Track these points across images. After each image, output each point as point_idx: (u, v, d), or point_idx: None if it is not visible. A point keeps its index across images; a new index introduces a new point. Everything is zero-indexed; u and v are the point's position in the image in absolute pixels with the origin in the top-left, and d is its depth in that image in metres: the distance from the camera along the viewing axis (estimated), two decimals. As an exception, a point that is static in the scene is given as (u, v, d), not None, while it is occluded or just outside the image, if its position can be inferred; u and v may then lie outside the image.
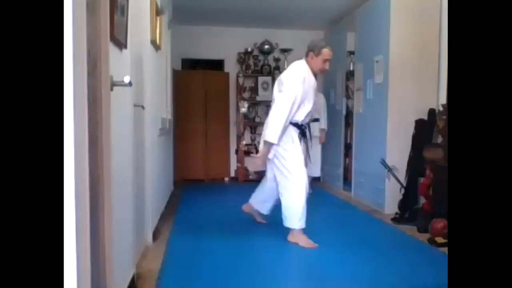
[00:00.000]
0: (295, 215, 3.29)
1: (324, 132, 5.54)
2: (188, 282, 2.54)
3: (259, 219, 3.92)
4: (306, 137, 3.47)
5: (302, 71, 3.31)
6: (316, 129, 5.34)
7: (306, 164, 3.44)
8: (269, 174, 3.66)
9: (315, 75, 3.38)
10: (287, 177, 3.34)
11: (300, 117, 3.34)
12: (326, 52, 3.28)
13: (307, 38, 6.79)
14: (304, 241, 3.25)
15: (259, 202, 3.86)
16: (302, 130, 3.40)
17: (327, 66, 3.34)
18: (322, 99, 5.48)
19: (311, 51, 3.33)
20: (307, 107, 3.32)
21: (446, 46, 4.23)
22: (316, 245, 3.21)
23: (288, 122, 3.27)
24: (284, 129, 3.26)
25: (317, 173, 5.54)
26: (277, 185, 3.48)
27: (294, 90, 3.21)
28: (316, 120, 5.11)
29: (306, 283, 2.62)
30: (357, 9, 5.28)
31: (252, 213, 3.94)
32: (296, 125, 3.35)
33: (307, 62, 3.36)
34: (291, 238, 3.33)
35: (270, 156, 3.40)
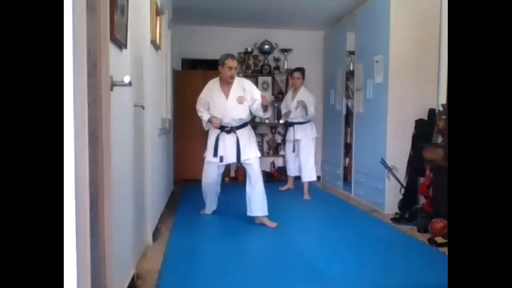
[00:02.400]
0: None
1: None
2: (187, 282, 2.54)
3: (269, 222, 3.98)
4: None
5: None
6: (300, 133, 5.40)
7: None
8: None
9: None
10: None
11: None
12: (228, 62, 3.93)
13: (307, 38, 6.89)
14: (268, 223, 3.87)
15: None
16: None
17: (233, 72, 3.94)
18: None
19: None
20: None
21: (446, 46, 4.23)
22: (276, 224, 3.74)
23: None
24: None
25: (304, 176, 5.47)
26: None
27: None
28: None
29: (306, 283, 2.61)
30: (357, 9, 5.28)
31: (262, 221, 3.97)
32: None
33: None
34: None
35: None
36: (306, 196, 5.34)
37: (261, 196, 3.89)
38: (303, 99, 5.24)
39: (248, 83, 4.05)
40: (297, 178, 5.63)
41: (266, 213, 3.89)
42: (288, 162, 5.76)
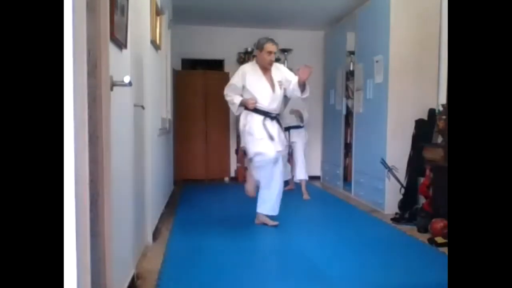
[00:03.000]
0: None
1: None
2: (188, 282, 2.54)
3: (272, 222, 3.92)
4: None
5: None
6: (295, 136, 5.45)
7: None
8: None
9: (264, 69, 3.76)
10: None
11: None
12: (268, 46, 3.68)
13: (307, 38, 6.90)
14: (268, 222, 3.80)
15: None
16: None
17: (272, 58, 3.71)
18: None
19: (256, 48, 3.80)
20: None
21: (446, 46, 4.23)
22: (277, 222, 3.69)
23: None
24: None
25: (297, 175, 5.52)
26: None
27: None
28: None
29: (306, 283, 2.61)
30: (357, 9, 5.28)
31: (263, 220, 3.94)
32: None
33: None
34: (256, 220, 3.90)
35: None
36: (306, 196, 5.35)
37: (280, 195, 3.87)
38: (297, 108, 5.30)
39: (281, 66, 3.95)
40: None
41: (277, 212, 3.87)
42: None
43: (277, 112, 3.82)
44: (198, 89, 6.59)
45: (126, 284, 2.27)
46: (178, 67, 6.69)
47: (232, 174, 6.88)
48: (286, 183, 5.35)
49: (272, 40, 3.72)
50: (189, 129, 6.54)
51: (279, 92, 3.75)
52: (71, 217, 1.15)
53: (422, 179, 4.13)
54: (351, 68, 5.91)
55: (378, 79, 4.59)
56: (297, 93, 3.73)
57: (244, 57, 6.70)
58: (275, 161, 3.70)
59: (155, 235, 3.43)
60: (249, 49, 6.67)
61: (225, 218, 4.20)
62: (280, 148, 3.74)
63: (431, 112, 4.32)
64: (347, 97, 5.93)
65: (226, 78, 6.77)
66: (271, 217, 3.86)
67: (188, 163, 6.55)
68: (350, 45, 5.64)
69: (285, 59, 6.79)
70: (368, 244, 3.36)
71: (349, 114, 5.90)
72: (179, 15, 5.73)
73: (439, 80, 4.39)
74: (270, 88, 3.73)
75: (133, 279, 2.42)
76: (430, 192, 3.91)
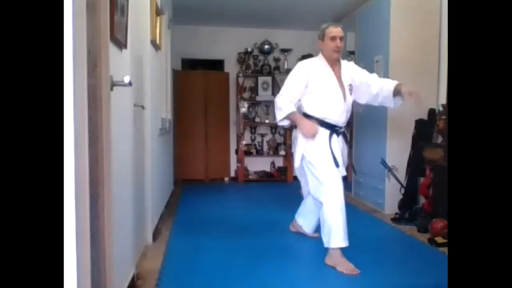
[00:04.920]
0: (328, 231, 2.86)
1: None
2: (188, 282, 2.54)
3: (311, 234, 3.43)
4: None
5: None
6: None
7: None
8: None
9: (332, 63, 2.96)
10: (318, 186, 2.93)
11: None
12: (330, 31, 2.92)
13: (307, 38, 6.88)
14: (342, 266, 2.72)
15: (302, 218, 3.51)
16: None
17: (338, 43, 2.90)
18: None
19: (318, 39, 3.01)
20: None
21: (446, 46, 4.23)
22: (358, 271, 2.67)
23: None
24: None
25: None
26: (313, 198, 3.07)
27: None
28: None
29: (305, 282, 2.61)
30: (357, 9, 5.28)
31: (300, 230, 3.55)
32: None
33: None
34: (327, 260, 2.84)
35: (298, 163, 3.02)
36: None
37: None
38: None
39: (351, 64, 3.17)
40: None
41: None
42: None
43: (345, 125, 3.05)
44: (198, 89, 6.59)
45: (126, 284, 2.27)
46: (178, 67, 6.69)
47: (232, 174, 6.88)
48: None
49: (333, 24, 2.95)
50: (189, 129, 6.54)
51: (350, 100, 2.97)
52: (71, 217, 1.15)
53: (422, 179, 4.13)
54: (351, 68, 5.89)
55: (378, 79, 4.59)
56: (389, 103, 3.03)
57: (244, 57, 6.71)
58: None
59: (155, 235, 3.43)
60: (249, 49, 6.68)
61: (225, 218, 4.20)
62: (344, 173, 3.02)
63: (431, 112, 4.32)
64: (347, 97, 5.92)
65: (226, 78, 6.80)
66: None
67: (188, 163, 6.55)
68: (350, 45, 5.63)
69: (285, 59, 6.79)
70: (368, 244, 3.36)
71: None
72: (179, 15, 5.72)
73: (439, 80, 4.39)
74: (341, 94, 2.92)
75: (133, 279, 2.42)
76: (430, 192, 3.91)
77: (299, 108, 2.98)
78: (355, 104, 3.23)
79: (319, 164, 2.88)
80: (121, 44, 2.14)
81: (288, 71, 6.36)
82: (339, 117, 2.92)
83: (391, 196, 4.36)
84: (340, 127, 2.98)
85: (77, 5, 1.19)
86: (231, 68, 6.84)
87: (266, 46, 6.72)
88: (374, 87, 3.01)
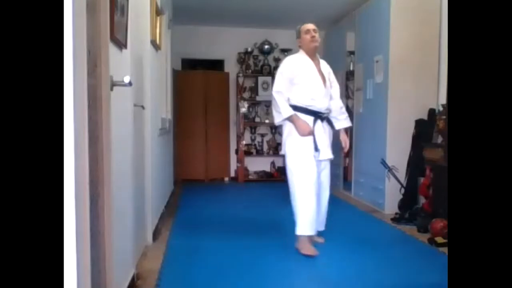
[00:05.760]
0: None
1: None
2: (188, 282, 2.54)
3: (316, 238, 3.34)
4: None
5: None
6: None
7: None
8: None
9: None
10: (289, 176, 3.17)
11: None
12: (304, 26, 3.29)
13: (307, 38, 6.87)
14: (305, 250, 3.02)
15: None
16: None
17: (313, 34, 3.24)
18: None
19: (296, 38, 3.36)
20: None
21: (446, 46, 4.23)
22: (317, 252, 2.99)
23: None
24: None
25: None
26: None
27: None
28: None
29: (305, 282, 2.61)
30: (357, 9, 5.28)
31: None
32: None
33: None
34: (296, 244, 3.12)
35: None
36: None
37: (327, 207, 3.33)
38: None
39: (329, 67, 3.43)
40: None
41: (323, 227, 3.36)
42: None
43: (328, 111, 3.26)
44: (198, 89, 6.59)
45: (126, 284, 2.27)
46: (178, 67, 6.69)
47: (232, 174, 6.88)
48: None
49: (306, 23, 3.30)
50: (189, 129, 6.54)
51: (327, 85, 3.22)
52: (71, 217, 1.15)
53: (422, 179, 4.13)
54: (351, 68, 5.90)
55: (378, 79, 4.59)
56: (336, 124, 3.31)
57: (244, 57, 6.71)
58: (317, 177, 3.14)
59: (155, 235, 3.43)
60: (249, 49, 6.68)
61: (225, 218, 4.20)
62: (330, 156, 3.21)
63: (431, 112, 4.32)
64: (347, 97, 5.93)
65: (226, 78, 6.79)
66: (319, 233, 3.36)
67: (188, 163, 6.55)
68: (350, 45, 5.64)
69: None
70: (368, 244, 3.36)
71: (349, 114, 5.89)
72: (179, 15, 5.73)
73: (439, 80, 4.40)
74: (321, 82, 3.18)
75: (133, 279, 2.42)
76: (430, 192, 3.91)
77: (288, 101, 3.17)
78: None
79: (293, 154, 3.13)
80: (121, 44, 2.14)
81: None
82: (322, 103, 3.17)
83: (391, 196, 4.37)
84: (323, 113, 3.21)
85: (77, 5, 1.19)
86: (231, 68, 6.83)
87: (266, 46, 6.72)
88: (333, 105, 3.32)
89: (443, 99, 4.25)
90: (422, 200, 4.15)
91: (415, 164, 4.25)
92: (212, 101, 6.65)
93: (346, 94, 5.91)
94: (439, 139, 4.07)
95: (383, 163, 4.34)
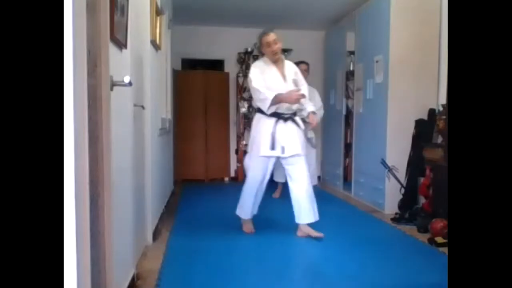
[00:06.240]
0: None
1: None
2: (188, 282, 2.54)
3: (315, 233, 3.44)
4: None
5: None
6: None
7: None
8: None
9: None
10: None
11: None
12: (264, 39, 3.53)
13: (307, 38, 6.89)
14: (245, 227, 3.66)
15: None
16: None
17: (274, 48, 3.48)
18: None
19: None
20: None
21: (446, 46, 4.23)
22: (254, 230, 3.61)
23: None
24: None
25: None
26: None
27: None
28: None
29: (305, 283, 2.62)
30: (357, 9, 5.28)
31: (306, 231, 3.47)
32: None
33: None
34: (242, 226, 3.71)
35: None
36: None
37: (312, 198, 3.46)
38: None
39: (296, 68, 3.67)
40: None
41: (317, 218, 3.47)
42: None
43: (292, 111, 3.45)
44: (198, 89, 6.59)
45: (126, 284, 2.27)
46: (178, 67, 6.68)
47: (232, 174, 6.88)
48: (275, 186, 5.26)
49: (266, 32, 3.55)
50: (189, 129, 6.54)
51: (291, 86, 3.40)
52: (71, 217, 1.15)
53: (422, 179, 4.13)
54: (351, 68, 5.91)
55: (378, 79, 4.59)
56: (304, 113, 3.54)
57: (244, 57, 6.70)
58: (267, 178, 3.53)
59: (155, 235, 3.43)
60: (249, 49, 6.67)
61: (225, 218, 4.19)
62: (297, 152, 3.39)
63: (431, 112, 4.32)
64: (347, 97, 5.93)
65: (226, 78, 6.79)
66: (311, 225, 3.50)
67: (188, 163, 6.55)
68: (350, 45, 5.64)
69: (285, 59, 6.77)
70: (368, 244, 3.36)
71: (349, 114, 5.90)
72: (179, 15, 5.72)
73: (439, 80, 4.40)
74: (282, 80, 3.43)
75: (133, 279, 2.42)
76: (430, 192, 3.91)
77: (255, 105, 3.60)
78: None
79: (252, 153, 3.53)
80: (121, 44, 2.14)
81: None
82: (284, 106, 3.39)
83: (391, 196, 4.37)
84: (286, 114, 3.42)
85: (77, 5, 1.19)
86: (231, 68, 6.83)
87: (266, 46, 6.71)
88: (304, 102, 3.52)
89: (443, 99, 4.25)
90: (422, 200, 4.15)
91: (415, 164, 4.25)
92: (212, 101, 6.65)
93: (346, 94, 5.91)
94: (439, 139, 4.07)
95: (383, 163, 4.34)
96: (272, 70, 3.47)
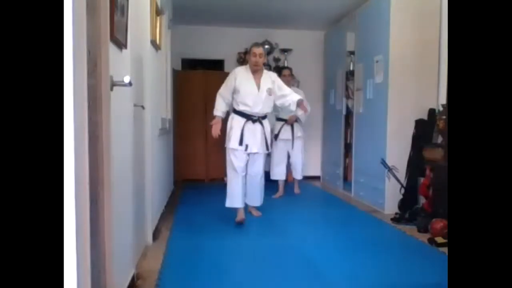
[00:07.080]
0: None
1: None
2: (188, 282, 2.54)
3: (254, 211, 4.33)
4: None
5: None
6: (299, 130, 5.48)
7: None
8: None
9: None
10: None
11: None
12: (252, 49, 3.97)
13: (307, 38, 6.89)
14: (238, 216, 4.00)
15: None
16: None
17: (257, 60, 3.93)
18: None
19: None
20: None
21: (446, 46, 4.23)
22: (244, 217, 3.97)
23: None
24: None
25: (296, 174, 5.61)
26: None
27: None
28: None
29: (305, 283, 2.61)
30: (357, 9, 5.28)
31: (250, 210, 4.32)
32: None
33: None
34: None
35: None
36: (297, 190, 5.53)
37: (261, 187, 4.18)
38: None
39: (275, 76, 4.12)
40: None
41: (261, 202, 4.26)
42: (278, 164, 5.53)
43: (260, 115, 4.01)
44: (198, 89, 6.58)
45: (126, 284, 2.27)
46: (178, 67, 6.68)
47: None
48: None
49: (257, 44, 4.04)
50: (189, 129, 6.54)
51: (264, 95, 3.94)
52: (71, 217, 1.15)
53: (422, 179, 4.13)
54: (351, 68, 5.91)
55: (378, 79, 4.59)
56: (292, 108, 4.02)
57: (244, 57, 6.69)
58: (244, 168, 4.01)
59: (155, 235, 3.43)
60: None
61: (225, 218, 4.19)
62: (258, 150, 3.97)
63: (431, 112, 4.32)
64: (347, 97, 5.93)
65: (226, 78, 6.78)
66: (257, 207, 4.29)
67: (188, 163, 6.55)
68: (350, 45, 5.64)
69: (285, 59, 6.79)
70: (368, 244, 3.36)
71: (349, 114, 5.90)
72: (179, 15, 5.73)
73: (439, 80, 4.40)
74: (256, 90, 3.93)
75: (133, 279, 2.42)
76: (430, 192, 3.91)
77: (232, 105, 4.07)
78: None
79: (228, 147, 3.99)
80: (121, 44, 2.14)
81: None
82: (254, 109, 3.95)
83: (391, 196, 4.37)
84: (255, 116, 3.97)
85: (77, 5, 1.19)
86: (231, 68, 6.78)
87: (266, 46, 6.71)
88: (288, 98, 4.03)
89: (443, 99, 4.25)
90: (422, 200, 4.15)
91: (415, 164, 4.25)
92: (212, 101, 6.55)
93: (346, 94, 5.91)
94: (439, 139, 4.07)
95: (383, 163, 4.34)
96: (250, 78, 3.96)
